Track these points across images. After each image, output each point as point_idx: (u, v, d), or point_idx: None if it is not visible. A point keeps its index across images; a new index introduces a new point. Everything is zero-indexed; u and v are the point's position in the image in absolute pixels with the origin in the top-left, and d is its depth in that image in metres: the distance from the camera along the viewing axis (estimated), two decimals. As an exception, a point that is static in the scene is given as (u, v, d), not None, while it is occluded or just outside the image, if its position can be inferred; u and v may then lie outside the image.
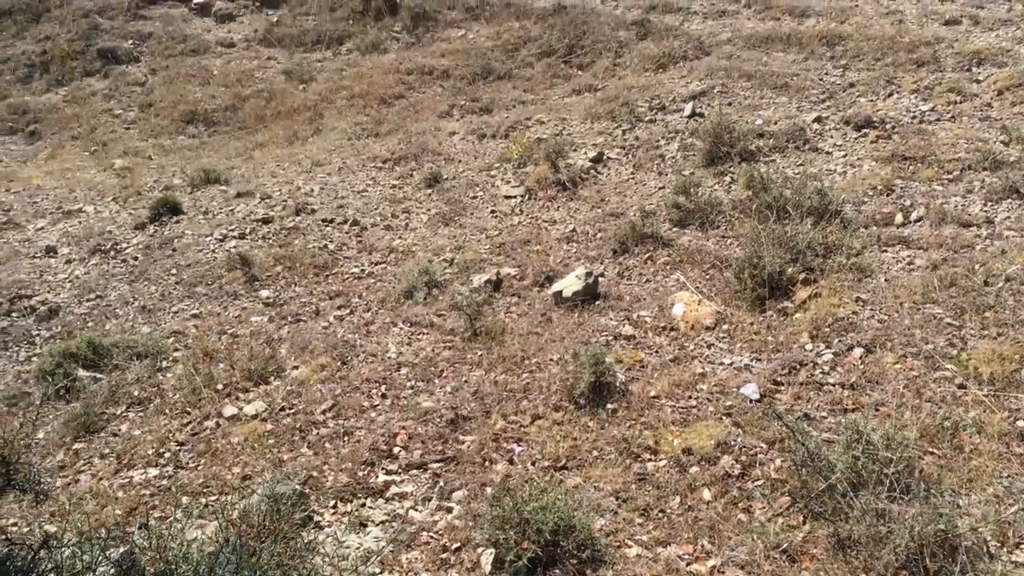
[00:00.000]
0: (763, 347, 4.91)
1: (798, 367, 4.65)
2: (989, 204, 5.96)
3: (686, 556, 3.45)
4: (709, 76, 9.43)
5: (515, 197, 7.78)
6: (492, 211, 7.61)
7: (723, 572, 3.33)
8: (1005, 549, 3.25)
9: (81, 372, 5.37)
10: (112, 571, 2.52)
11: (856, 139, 7.42)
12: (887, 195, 6.41)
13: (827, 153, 7.34)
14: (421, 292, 6.14)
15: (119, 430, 4.87)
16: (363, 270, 6.80)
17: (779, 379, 4.59)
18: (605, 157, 8.17)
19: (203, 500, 3.94)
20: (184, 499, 3.99)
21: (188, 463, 4.45)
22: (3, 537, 2.97)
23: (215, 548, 2.66)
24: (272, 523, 3.09)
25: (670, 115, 8.76)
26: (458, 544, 3.58)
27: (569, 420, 4.49)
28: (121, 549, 2.62)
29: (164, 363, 5.60)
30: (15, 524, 3.93)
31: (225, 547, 2.56)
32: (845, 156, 7.19)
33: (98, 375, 5.40)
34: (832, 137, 7.56)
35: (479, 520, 3.67)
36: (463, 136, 9.76)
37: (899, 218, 6.05)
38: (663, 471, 4.03)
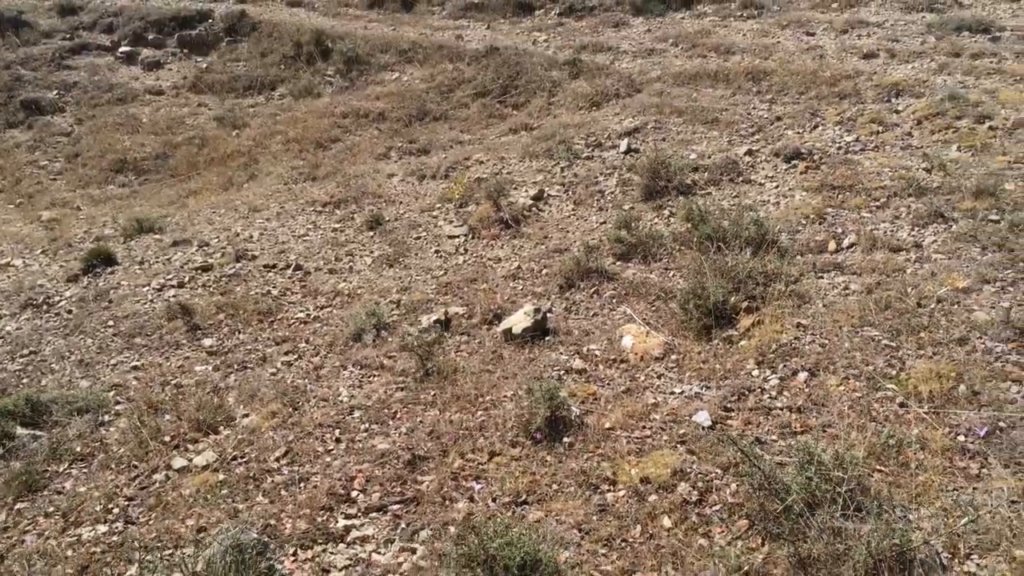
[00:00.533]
0: (712, 375, 5.02)
1: (746, 393, 4.77)
2: (916, 229, 6.23)
3: (652, 584, 3.48)
4: (642, 113, 9.69)
5: (459, 237, 7.83)
6: (436, 251, 7.64)
7: (689, 598, 3.37)
8: (956, 560, 3.36)
9: (19, 430, 5.19)
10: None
11: (786, 170, 7.70)
12: (819, 223, 6.65)
13: (760, 184, 7.58)
14: (370, 334, 6.11)
15: (63, 488, 4.71)
16: (309, 315, 6.74)
17: (729, 405, 4.69)
18: (546, 194, 8.29)
19: (158, 555, 3.83)
20: (137, 555, 3.87)
21: (138, 518, 4.33)
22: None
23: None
24: (237, 574, 3.03)
25: (607, 151, 8.96)
26: (425, 586, 3.56)
27: (527, 455, 4.51)
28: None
29: (106, 417, 5.44)
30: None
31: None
32: (777, 187, 7.44)
33: (37, 432, 5.22)
34: (764, 169, 7.82)
35: (444, 559, 3.65)
36: (402, 178, 9.81)
37: (832, 245, 6.27)
38: (622, 501, 4.06)
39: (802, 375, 4.81)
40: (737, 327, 5.45)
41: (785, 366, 4.92)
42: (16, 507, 4.56)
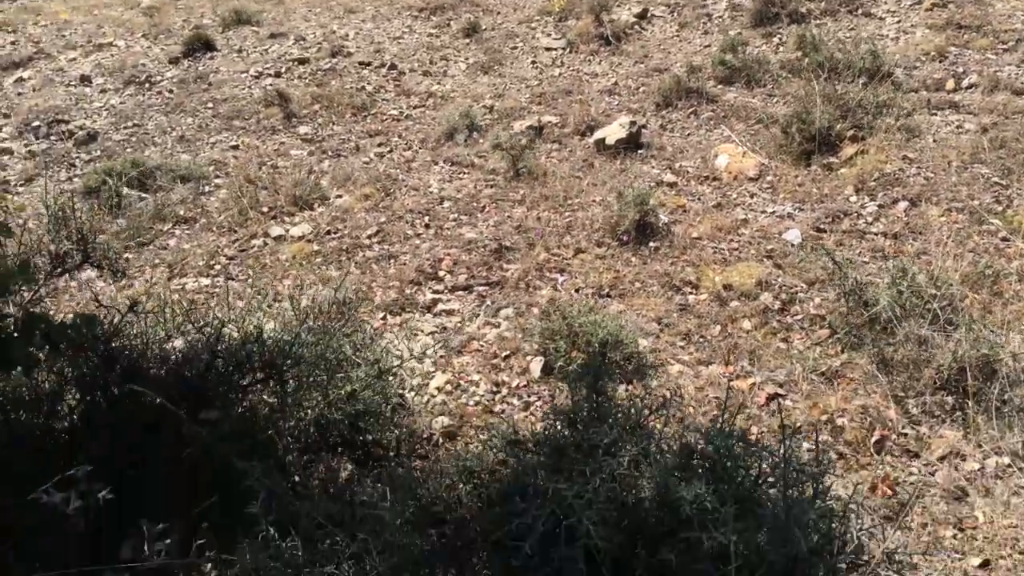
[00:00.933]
0: (806, 198, 4.93)
1: (841, 216, 4.69)
2: (1045, 73, 5.86)
3: (727, 375, 3.57)
4: (760, -63, 9.08)
5: (556, 49, 7.64)
6: (532, 62, 7.49)
7: (763, 389, 3.45)
8: (1041, 382, 3.35)
9: (126, 190, 5.43)
10: (197, 337, 2.63)
11: (910, 6, 7.22)
12: (939, 61, 6.29)
13: (880, 19, 7.15)
14: (462, 134, 6.12)
15: (168, 244, 4.96)
16: (402, 112, 6.76)
17: (822, 227, 4.63)
18: (650, 14, 7.97)
19: (258, 304, 4.05)
20: (239, 303, 4.11)
21: (238, 275, 4.56)
22: (92, 297, 3.08)
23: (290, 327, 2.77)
24: (340, 313, 3.21)
25: (717, -25, 8.50)
26: (508, 352, 3.70)
27: (612, 255, 4.56)
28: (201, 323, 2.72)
29: (207, 188, 5.65)
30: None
31: (303, 324, 2.66)
32: (899, 22, 7.01)
33: (143, 194, 5.46)
34: (886, 3, 7.35)
35: (527, 333, 3.79)
36: (501, -11, 9.51)
37: (950, 84, 5.95)
38: (704, 303, 4.12)
39: (902, 204, 4.69)
40: (839, 155, 5.29)
41: (885, 195, 4.80)
42: (125, 256, 4.83)
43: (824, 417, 3.18)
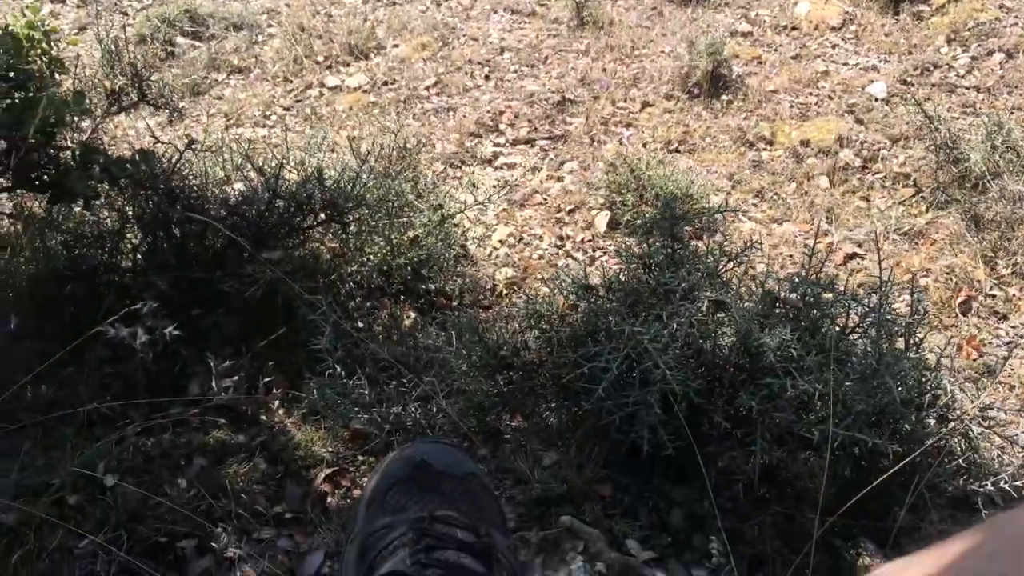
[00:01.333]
0: (893, 48, 4.60)
1: (931, 69, 4.37)
2: None
3: (802, 233, 3.41)
4: None
5: None
6: (598, -96, 7.00)
7: (840, 248, 3.29)
8: None
9: (179, 39, 5.29)
10: (255, 180, 2.56)
11: None
12: (1050, -101, 5.71)
13: None
14: (522, -19, 5.80)
15: (223, 95, 4.85)
16: (459, -41, 6.41)
17: (909, 80, 4.32)
18: None
19: (316, 153, 3.96)
20: (298, 152, 4.02)
21: (295, 127, 4.46)
22: (150, 134, 3.02)
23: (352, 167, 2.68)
24: (402, 159, 3.10)
25: None
26: (572, 207, 3.58)
27: (681, 109, 4.34)
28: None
29: (259, 36, 5.47)
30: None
31: (363, 166, 2.56)
32: None
33: (196, 43, 5.31)
34: None
35: (592, 187, 3.65)
36: None
37: (1061, -76, 5.41)
38: (779, 160, 3.91)
39: (998, 56, 4.35)
40: (930, 2, 4.89)
41: (980, 45, 4.45)
42: (180, 105, 4.74)
43: (907, 277, 3.03)
